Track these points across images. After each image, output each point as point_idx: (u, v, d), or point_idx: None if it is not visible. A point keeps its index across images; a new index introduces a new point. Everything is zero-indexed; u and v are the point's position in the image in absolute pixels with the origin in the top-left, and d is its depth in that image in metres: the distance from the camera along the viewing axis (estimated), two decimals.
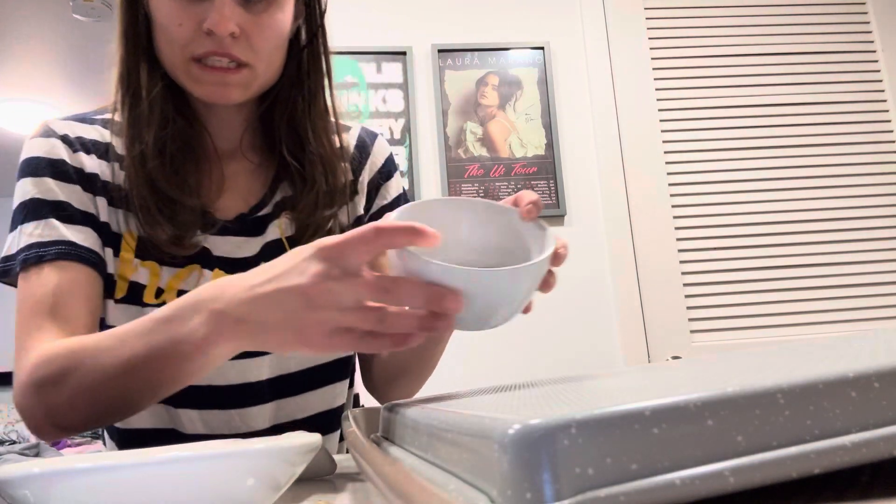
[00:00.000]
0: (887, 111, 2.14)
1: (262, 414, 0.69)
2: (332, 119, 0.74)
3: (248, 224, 0.71)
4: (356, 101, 1.94)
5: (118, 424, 0.69)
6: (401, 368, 0.77)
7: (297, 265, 0.43)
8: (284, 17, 0.65)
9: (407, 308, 0.44)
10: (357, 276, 0.42)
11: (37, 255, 0.62)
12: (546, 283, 0.48)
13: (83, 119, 0.71)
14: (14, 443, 2.98)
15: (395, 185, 0.81)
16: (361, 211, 0.78)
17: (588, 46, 2.08)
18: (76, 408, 0.54)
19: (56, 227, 0.63)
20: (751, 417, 0.20)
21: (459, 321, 0.44)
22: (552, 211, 1.95)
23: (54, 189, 0.65)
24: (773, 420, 0.20)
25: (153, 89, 0.65)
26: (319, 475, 0.51)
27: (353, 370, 0.81)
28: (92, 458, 0.32)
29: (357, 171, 0.78)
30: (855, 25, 2.18)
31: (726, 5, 2.16)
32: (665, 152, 2.06)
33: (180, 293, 0.65)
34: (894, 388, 0.21)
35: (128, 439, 0.70)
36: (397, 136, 1.95)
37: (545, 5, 2.10)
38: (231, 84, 0.64)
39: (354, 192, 0.77)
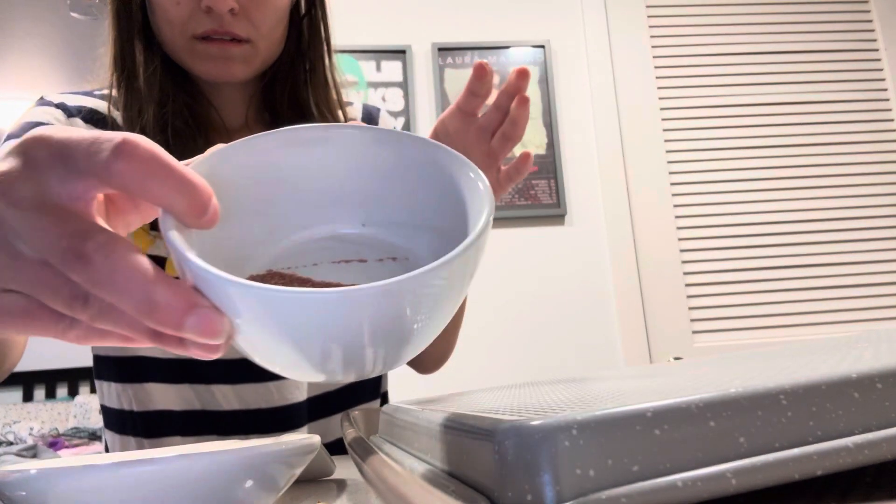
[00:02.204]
0: (890, 110, 2.14)
1: (300, 385, 0.69)
2: (334, 91, 0.73)
3: None
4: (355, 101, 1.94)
5: (137, 407, 0.66)
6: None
7: None
8: None
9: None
10: (55, 208, 0.23)
11: None
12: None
13: (81, 93, 0.71)
14: (11, 444, 2.98)
15: None
16: None
17: (589, 45, 2.08)
18: None
19: None
20: (753, 418, 0.20)
21: (249, 353, 0.25)
22: (552, 210, 1.95)
23: None
24: (775, 421, 0.20)
25: (149, 69, 0.65)
26: (318, 477, 0.50)
27: None
28: (89, 458, 0.32)
29: None
30: (858, 24, 2.18)
31: (728, 3, 2.16)
32: (667, 151, 2.06)
33: None
34: None
35: (153, 424, 0.67)
36: None
37: (546, 3, 2.10)
38: (232, 58, 0.63)
39: None
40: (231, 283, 0.22)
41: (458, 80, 2.01)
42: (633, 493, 0.18)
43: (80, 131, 0.24)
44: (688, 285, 1.99)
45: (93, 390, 4.25)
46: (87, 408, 3.85)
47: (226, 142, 0.68)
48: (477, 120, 0.53)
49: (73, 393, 4.28)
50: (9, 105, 3.53)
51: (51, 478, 0.27)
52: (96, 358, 0.69)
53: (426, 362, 0.81)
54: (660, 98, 2.09)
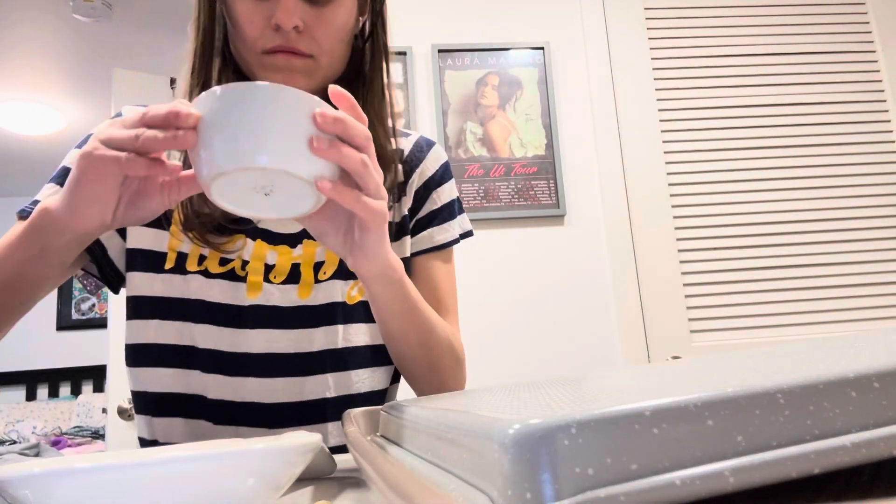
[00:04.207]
0: (887, 111, 2.14)
1: (292, 387, 0.73)
2: (388, 106, 0.78)
3: None
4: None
5: (150, 389, 0.72)
6: (399, 358, 0.78)
7: None
8: (346, 11, 0.69)
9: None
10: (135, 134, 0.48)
11: (24, 210, 0.67)
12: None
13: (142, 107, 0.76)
14: (14, 442, 2.98)
15: (448, 191, 0.84)
16: (406, 212, 0.81)
17: (588, 46, 2.08)
18: None
19: None
20: (751, 417, 0.20)
21: (204, 152, 0.46)
22: (552, 211, 1.95)
23: None
24: (773, 420, 0.20)
25: (222, 81, 0.71)
26: (320, 475, 0.51)
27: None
28: (92, 458, 0.32)
29: (408, 174, 0.82)
30: (854, 25, 2.18)
31: (726, 5, 2.16)
32: (665, 152, 2.06)
33: (223, 260, 0.71)
34: (894, 389, 0.21)
35: (159, 406, 0.72)
36: None
37: (545, 5, 2.10)
38: (296, 70, 0.68)
39: (403, 193, 0.81)
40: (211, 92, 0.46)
41: (458, 81, 2.01)
42: (632, 491, 0.19)
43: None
44: (686, 285, 1.99)
45: (95, 389, 4.25)
46: (89, 406, 3.85)
47: None
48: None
49: (75, 392, 4.28)
50: (12, 106, 3.53)
51: (54, 477, 0.27)
52: (130, 347, 0.73)
53: (427, 393, 0.84)
54: (658, 99, 2.09)
